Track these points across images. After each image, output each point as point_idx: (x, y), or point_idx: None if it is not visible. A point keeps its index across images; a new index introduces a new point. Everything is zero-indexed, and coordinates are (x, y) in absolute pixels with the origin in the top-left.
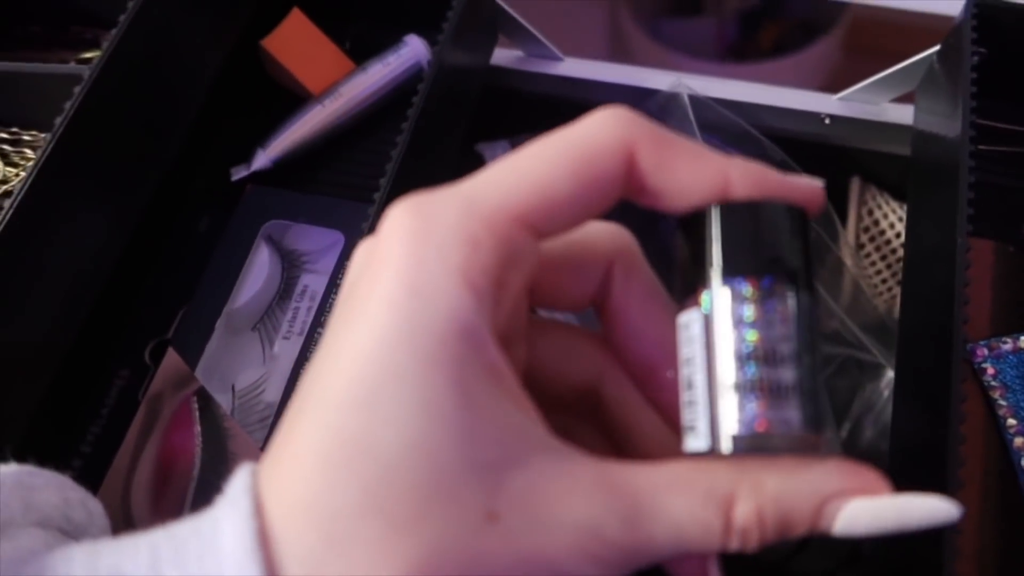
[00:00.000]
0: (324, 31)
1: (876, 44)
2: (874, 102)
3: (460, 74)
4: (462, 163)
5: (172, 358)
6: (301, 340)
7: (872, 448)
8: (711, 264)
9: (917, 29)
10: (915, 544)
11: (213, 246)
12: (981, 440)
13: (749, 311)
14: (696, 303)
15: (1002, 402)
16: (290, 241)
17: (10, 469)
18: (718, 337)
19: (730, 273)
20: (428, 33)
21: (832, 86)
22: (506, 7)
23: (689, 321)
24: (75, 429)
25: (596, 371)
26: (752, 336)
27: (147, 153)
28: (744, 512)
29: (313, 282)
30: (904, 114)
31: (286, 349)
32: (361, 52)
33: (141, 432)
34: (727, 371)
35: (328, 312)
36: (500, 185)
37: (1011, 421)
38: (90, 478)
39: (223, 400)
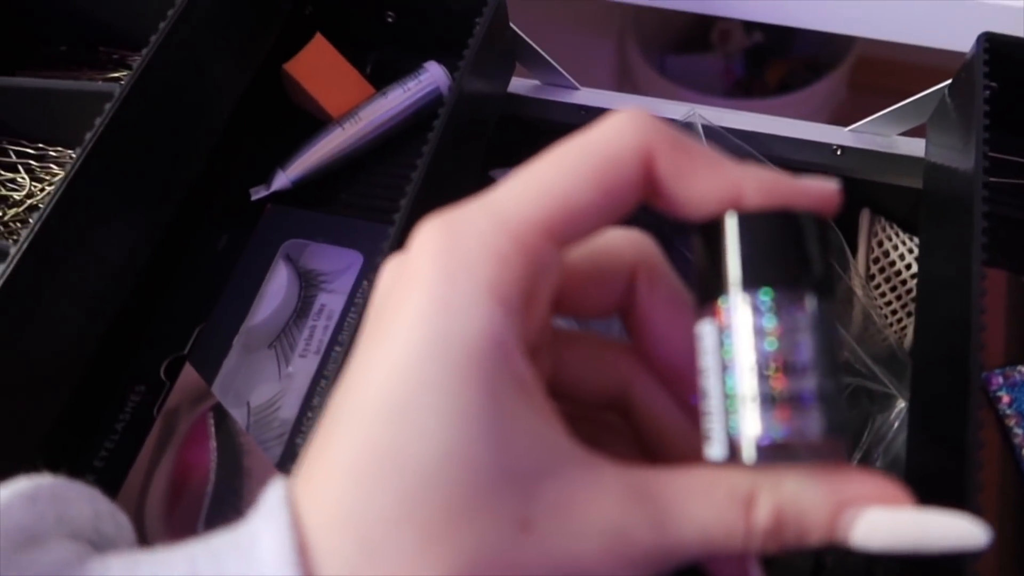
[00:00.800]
0: (346, 56)
1: (880, 82)
2: (884, 135)
3: (478, 101)
4: (479, 188)
5: (189, 374)
6: (318, 359)
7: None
8: (728, 274)
9: (921, 68)
10: (931, 569)
11: (232, 264)
12: (996, 469)
13: (767, 321)
14: (713, 313)
15: (1017, 430)
16: (308, 260)
17: (45, 481)
18: (737, 348)
19: (748, 283)
20: (448, 60)
21: (837, 123)
22: (524, 37)
23: (705, 332)
24: (90, 443)
25: (623, 379)
26: (771, 346)
27: (170, 171)
28: (764, 512)
29: (330, 301)
30: (913, 147)
31: (302, 367)
32: (382, 77)
33: (156, 447)
34: (747, 382)
35: (344, 331)
36: (523, 197)
37: None
38: (104, 492)
39: (239, 416)
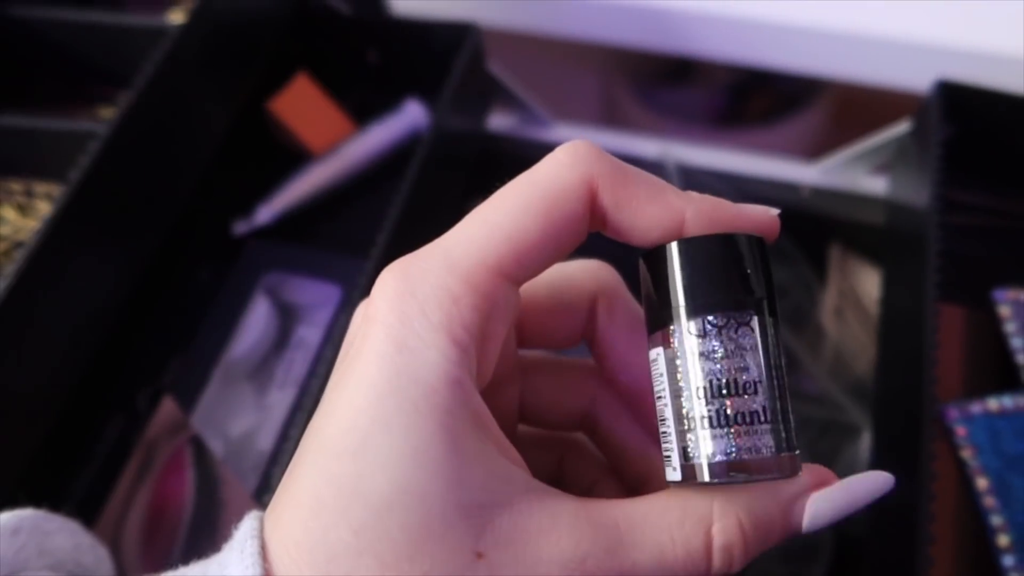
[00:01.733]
0: (329, 95)
1: (863, 113)
2: (853, 173)
3: (455, 137)
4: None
5: (168, 405)
6: (295, 391)
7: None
8: (673, 301)
9: (904, 99)
10: None
11: (213, 297)
12: (953, 499)
13: (713, 344)
14: (663, 339)
15: (972, 462)
16: (288, 293)
17: (26, 513)
18: (686, 372)
19: (692, 309)
20: (429, 98)
21: (820, 154)
22: (499, 78)
23: (657, 358)
24: (69, 474)
25: (588, 401)
26: (719, 368)
27: (154, 207)
28: (725, 528)
29: (309, 334)
30: (881, 185)
31: (280, 399)
32: (365, 116)
33: (135, 477)
34: (698, 404)
35: (322, 363)
36: (472, 239)
37: (981, 481)
38: (82, 523)
39: (217, 447)
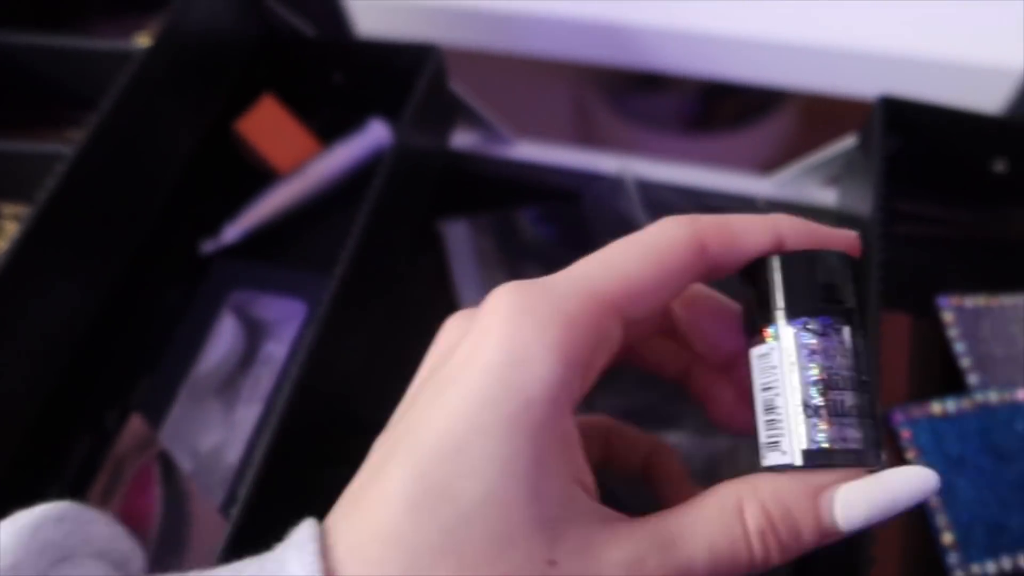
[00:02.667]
0: (296, 116)
1: (831, 115)
2: (806, 186)
3: (418, 156)
4: (423, 239)
5: (135, 422)
6: (261, 405)
7: None
8: (776, 307)
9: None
10: None
11: (180, 316)
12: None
13: (809, 345)
14: (763, 339)
15: (916, 464)
16: (255, 310)
17: (67, 503)
18: (784, 369)
19: (792, 313)
20: (392, 118)
21: (789, 156)
22: (461, 96)
23: (766, 352)
24: (36, 492)
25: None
26: (816, 367)
27: (121, 228)
28: (753, 511)
29: (275, 350)
30: (832, 197)
31: (247, 415)
32: (330, 135)
33: (103, 494)
34: (794, 397)
35: (288, 378)
36: (592, 275)
37: None
38: None
39: (185, 463)
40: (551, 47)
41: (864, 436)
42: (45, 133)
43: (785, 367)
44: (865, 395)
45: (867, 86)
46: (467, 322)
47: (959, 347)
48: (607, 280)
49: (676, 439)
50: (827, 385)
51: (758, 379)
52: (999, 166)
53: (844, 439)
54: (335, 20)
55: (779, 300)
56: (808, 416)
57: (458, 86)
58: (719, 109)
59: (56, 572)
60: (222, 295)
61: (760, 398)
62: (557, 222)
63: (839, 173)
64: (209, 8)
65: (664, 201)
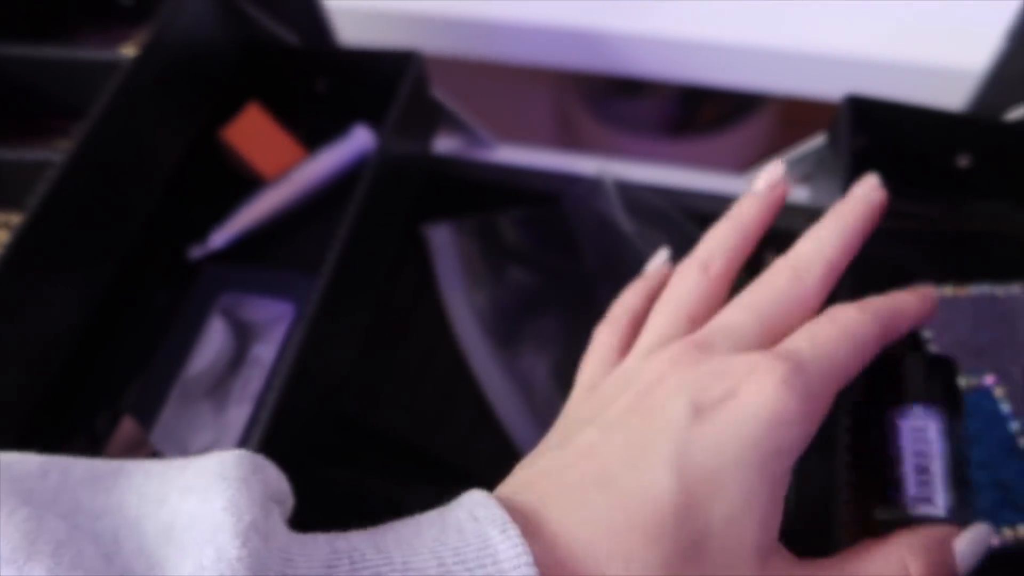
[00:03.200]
0: (280, 121)
1: (809, 116)
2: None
3: (401, 159)
4: (407, 243)
5: (127, 424)
6: (251, 405)
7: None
8: (908, 393)
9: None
10: None
11: (169, 320)
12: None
13: (945, 427)
14: (898, 416)
15: None
16: (243, 312)
17: (239, 451)
18: (937, 442)
19: (924, 401)
20: (376, 124)
21: (769, 158)
22: (442, 101)
23: (920, 427)
24: None
25: None
26: (950, 443)
27: (110, 234)
28: (916, 566)
29: (264, 351)
30: (806, 195)
31: (237, 415)
32: (314, 142)
33: None
34: (945, 465)
35: (277, 377)
36: (833, 361)
37: None
38: None
39: None
40: (531, 54)
41: (955, 500)
42: (32, 143)
43: (937, 442)
44: (959, 467)
45: (835, 88)
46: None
47: (927, 334)
48: (836, 371)
49: None
50: (957, 459)
51: (909, 445)
52: (962, 161)
53: (965, 501)
54: (317, 28)
55: (906, 390)
56: (953, 481)
57: (440, 92)
58: (698, 113)
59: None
60: (211, 298)
61: (911, 461)
62: (540, 225)
63: (810, 171)
64: (193, 18)
65: (643, 201)
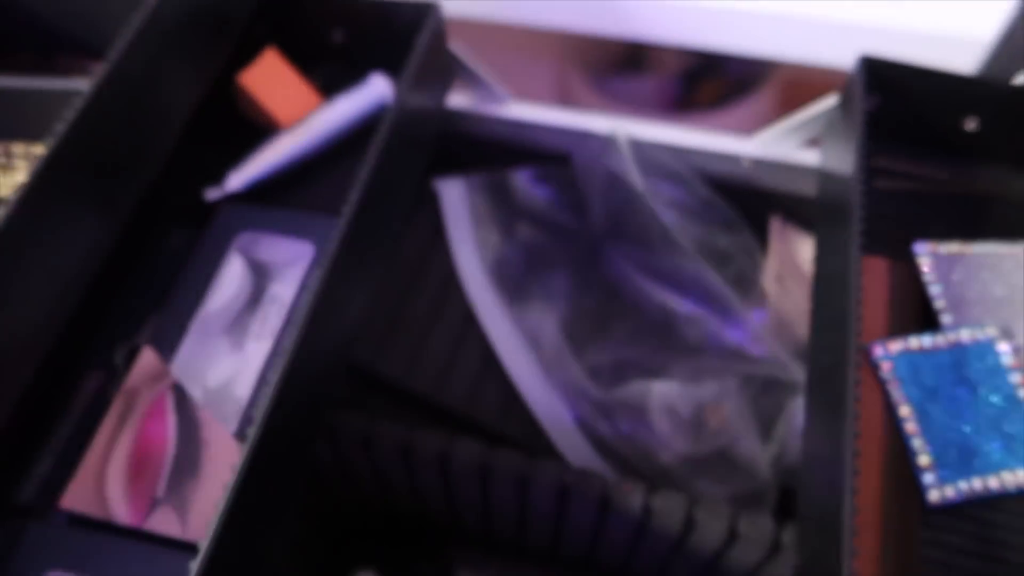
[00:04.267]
0: (297, 69)
1: (807, 96)
2: (788, 145)
3: (419, 108)
4: (419, 197)
5: (148, 355)
6: (271, 342)
7: (797, 467)
8: None
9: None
10: (818, 540)
11: (186, 258)
12: (880, 430)
13: None
14: None
15: (895, 393)
16: (261, 252)
17: None
18: None
19: None
20: (393, 76)
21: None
22: (458, 55)
23: None
24: (47, 426)
25: None
26: None
27: (128, 174)
28: None
29: (282, 290)
30: (815, 157)
31: (256, 349)
32: (330, 93)
33: (116, 423)
34: None
35: (298, 313)
36: None
37: (904, 409)
38: (62, 474)
39: (196, 396)
40: (539, 16)
41: None
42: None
43: None
44: None
45: (845, 55)
46: None
47: (934, 289)
48: None
49: (665, 388)
50: None
51: None
52: (970, 124)
53: None
54: None
55: None
56: None
57: (456, 46)
58: (698, 92)
59: None
60: (229, 237)
61: None
62: (550, 183)
63: (820, 133)
64: None
65: (656, 160)
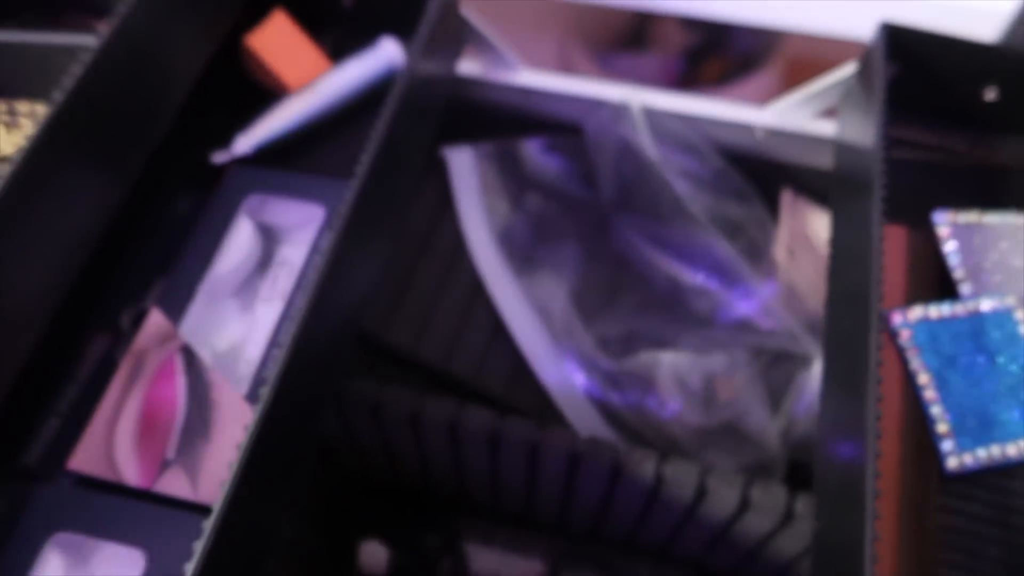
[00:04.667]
0: (306, 32)
1: (814, 72)
2: (802, 116)
3: (429, 74)
4: (428, 165)
5: (155, 317)
6: (281, 304)
7: (805, 439)
8: None
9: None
10: (837, 507)
11: (194, 222)
12: (898, 399)
13: None
14: None
15: (914, 361)
16: (270, 215)
17: None
18: None
19: None
20: (403, 38)
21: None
22: (470, 20)
23: None
24: (52, 389)
25: None
26: None
27: (134, 134)
28: None
29: (292, 253)
30: (830, 128)
31: (266, 312)
32: (339, 57)
33: (125, 384)
34: None
35: (309, 276)
36: None
37: (922, 377)
38: (68, 437)
39: (205, 357)
40: None
41: None
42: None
43: None
44: None
45: (864, 26)
46: None
47: (953, 259)
48: None
49: (674, 359)
50: None
51: None
52: (990, 94)
53: None
54: None
55: None
56: None
57: (467, 9)
58: (703, 68)
59: None
60: (237, 199)
61: None
62: (562, 154)
63: (837, 103)
64: None
65: (668, 129)
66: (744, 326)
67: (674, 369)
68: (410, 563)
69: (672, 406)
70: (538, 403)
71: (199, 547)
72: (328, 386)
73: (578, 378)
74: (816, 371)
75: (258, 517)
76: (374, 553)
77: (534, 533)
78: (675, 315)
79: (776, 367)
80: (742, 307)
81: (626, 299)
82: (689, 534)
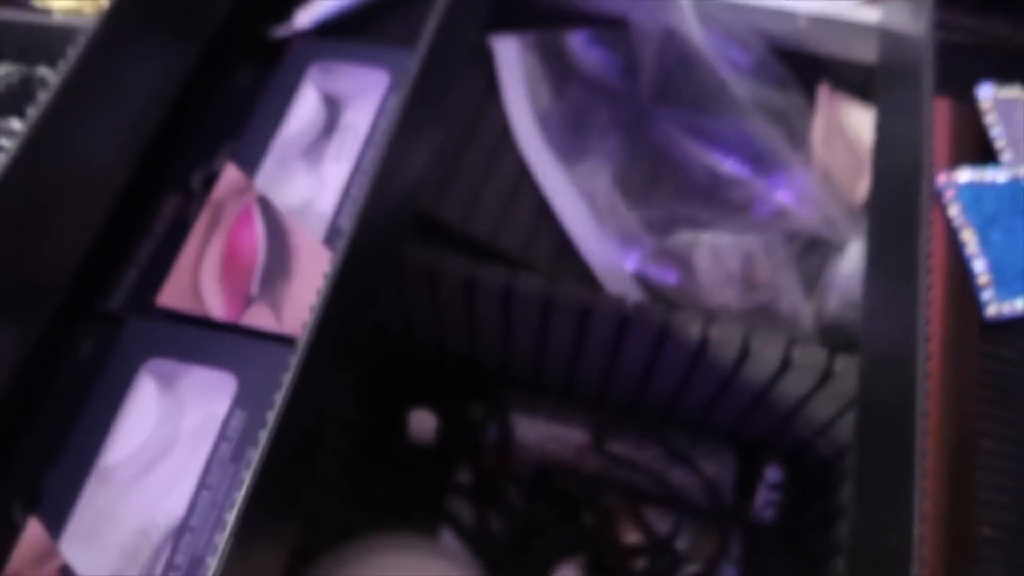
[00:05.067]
0: None
1: None
2: (847, 4)
3: None
4: (474, 55)
5: (231, 172)
6: (350, 163)
7: (837, 321)
8: None
9: None
10: (883, 363)
11: (259, 92)
12: (942, 258)
13: None
14: None
15: (958, 219)
16: (335, 83)
17: None
18: None
19: None
20: None
21: None
22: None
23: None
24: (131, 243)
25: None
26: None
27: (199, 8)
28: None
29: (355, 118)
30: (874, 16)
31: (334, 170)
32: None
33: (206, 231)
34: None
35: (377, 135)
36: None
37: (966, 233)
38: (148, 284)
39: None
40: None
41: None
42: None
43: None
44: None
45: None
46: None
47: (995, 130)
48: None
49: (712, 239)
50: None
51: None
52: None
53: None
54: None
55: None
56: None
57: None
58: None
59: None
60: (302, 69)
61: None
62: (605, 46)
63: None
64: None
65: (714, 16)
66: (780, 212)
67: (713, 249)
68: (457, 431)
69: (709, 285)
70: (583, 280)
71: (287, 378)
72: (394, 249)
73: (622, 256)
74: (851, 256)
75: (334, 354)
76: (423, 420)
77: (577, 405)
78: (713, 203)
79: (810, 252)
80: (778, 196)
81: (666, 187)
82: (728, 400)
